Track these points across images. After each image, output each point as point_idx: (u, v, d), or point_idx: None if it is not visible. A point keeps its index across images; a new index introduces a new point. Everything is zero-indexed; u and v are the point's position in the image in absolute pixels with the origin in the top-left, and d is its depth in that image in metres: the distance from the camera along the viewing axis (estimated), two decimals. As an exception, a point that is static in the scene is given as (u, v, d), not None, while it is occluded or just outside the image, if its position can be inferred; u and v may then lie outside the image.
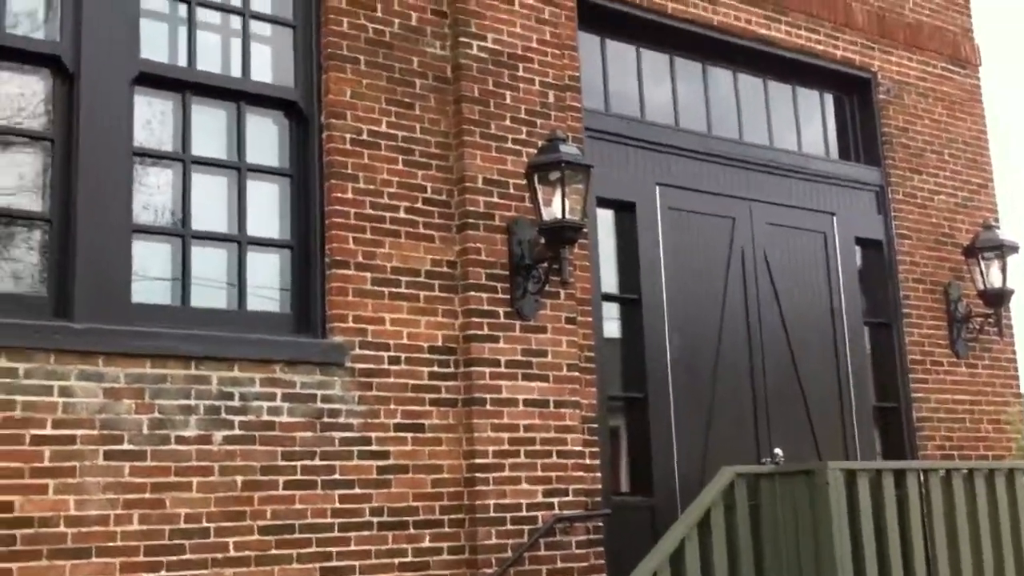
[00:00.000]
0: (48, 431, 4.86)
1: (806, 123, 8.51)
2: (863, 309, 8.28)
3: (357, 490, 5.59)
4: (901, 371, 8.26)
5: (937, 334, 8.43)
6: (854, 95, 8.74)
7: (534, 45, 6.69)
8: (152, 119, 5.62)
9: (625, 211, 7.25)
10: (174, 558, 5.05)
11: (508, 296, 6.23)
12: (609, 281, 7.12)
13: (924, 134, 8.79)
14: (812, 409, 7.76)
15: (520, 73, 6.59)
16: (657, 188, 7.38)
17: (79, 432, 4.93)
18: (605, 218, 7.18)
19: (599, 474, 6.45)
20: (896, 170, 8.56)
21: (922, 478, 6.38)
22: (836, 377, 7.97)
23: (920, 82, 8.89)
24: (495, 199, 6.31)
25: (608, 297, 7.08)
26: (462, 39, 6.40)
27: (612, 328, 7.13)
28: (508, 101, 6.50)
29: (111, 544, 4.90)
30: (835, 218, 8.25)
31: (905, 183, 8.58)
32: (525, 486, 6.03)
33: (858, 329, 8.18)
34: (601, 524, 6.32)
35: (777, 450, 7.00)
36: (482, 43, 6.47)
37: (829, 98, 8.73)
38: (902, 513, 6.19)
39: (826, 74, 8.53)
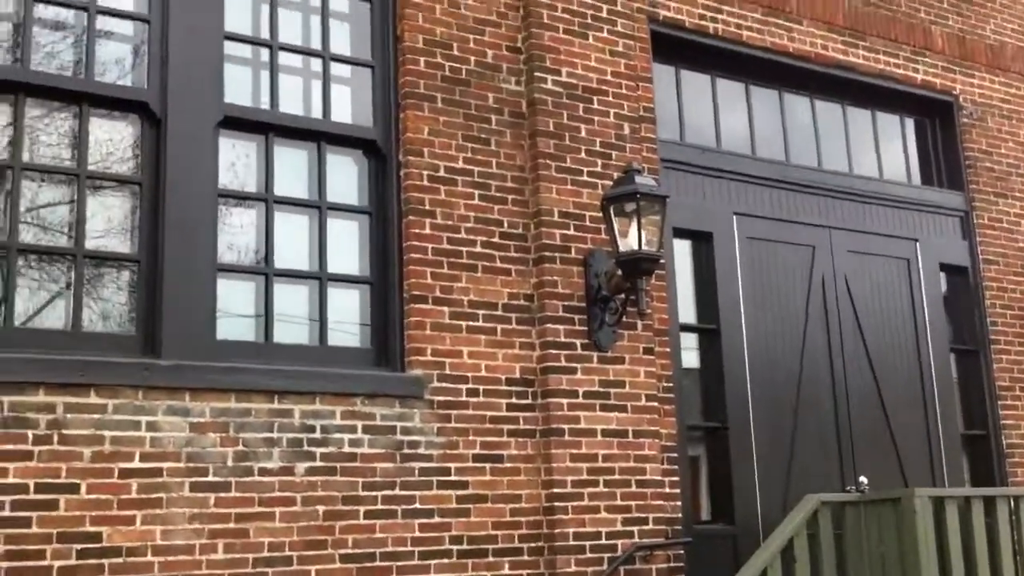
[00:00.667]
0: (136, 464, 4.99)
1: (886, 148, 8.43)
2: (949, 336, 8.15)
3: (437, 519, 5.65)
4: (990, 398, 8.10)
5: (1027, 361, 8.27)
6: (935, 119, 8.63)
7: (608, 78, 6.74)
8: (236, 161, 5.78)
9: (702, 241, 7.24)
10: (259, 586, 5.16)
11: (585, 328, 6.26)
12: (687, 312, 7.11)
13: (1008, 157, 8.64)
14: (897, 437, 7.63)
15: (595, 106, 6.63)
16: (735, 218, 7.37)
17: (166, 465, 5.06)
18: (682, 249, 7.18)
19: (679, 503, 6.43)
20: (980, 194, 8.43)
21: (1013, 505, 6.26)
22: (922, 404, 7.82)
23: (1003, 104, 8.75)
24: (571, 232, 6.36)
25: (686, 328, 7.06)
26: (537, 74, 6.47)
27: (691, 358, 7.12)
28: (583, 134, 6.55)
29: (197, 572, 5.01)
30: (918, 244, 8.14)
31: (990, 207, 8.45)
32: (604, 515, 6.04)
33: (944, 356, 8.03)
34: (682, 552, 6.29)
35: (862, 478, 6.92)
36: (556, 77, 6.54)
37: (910, 122, 8.64)
38: (992, 541, 6.08)
39: (906, 98, 8.45)
